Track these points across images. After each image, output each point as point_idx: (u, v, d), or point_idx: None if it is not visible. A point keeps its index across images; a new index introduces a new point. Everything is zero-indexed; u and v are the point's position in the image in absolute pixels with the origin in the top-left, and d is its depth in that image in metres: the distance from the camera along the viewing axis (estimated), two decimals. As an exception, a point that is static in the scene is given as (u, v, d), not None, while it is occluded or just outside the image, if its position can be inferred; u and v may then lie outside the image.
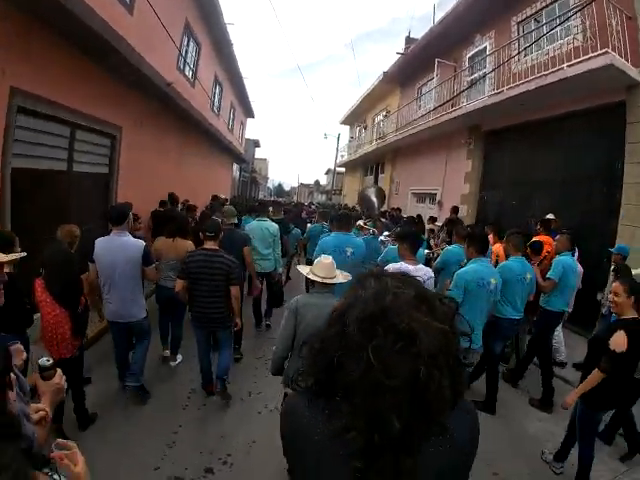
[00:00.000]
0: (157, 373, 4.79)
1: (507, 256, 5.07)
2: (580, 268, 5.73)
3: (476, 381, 4.93)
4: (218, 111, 17.20)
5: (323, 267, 2.99)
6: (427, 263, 5.80)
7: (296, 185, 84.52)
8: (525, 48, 8.19)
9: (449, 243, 6.65)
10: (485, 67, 10.89)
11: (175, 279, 4.31)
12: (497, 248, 6.09)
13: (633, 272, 4.90)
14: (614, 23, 6.59)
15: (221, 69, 16.68)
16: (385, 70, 17.39)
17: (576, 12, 6.88)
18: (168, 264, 4.84)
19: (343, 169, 32.16)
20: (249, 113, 28.66)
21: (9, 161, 4.76)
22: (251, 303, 6.36)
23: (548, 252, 5.66)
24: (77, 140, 6.30)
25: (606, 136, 7.25)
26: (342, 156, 29.50)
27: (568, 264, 5.02)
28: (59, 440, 1.30)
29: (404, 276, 1.02)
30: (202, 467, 3.35)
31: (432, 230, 9.75)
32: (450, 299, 1.03)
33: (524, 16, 9.42)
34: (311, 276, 3.00)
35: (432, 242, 8.84)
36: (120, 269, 3.87)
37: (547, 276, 5.02)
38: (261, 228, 5.95)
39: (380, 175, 20.57)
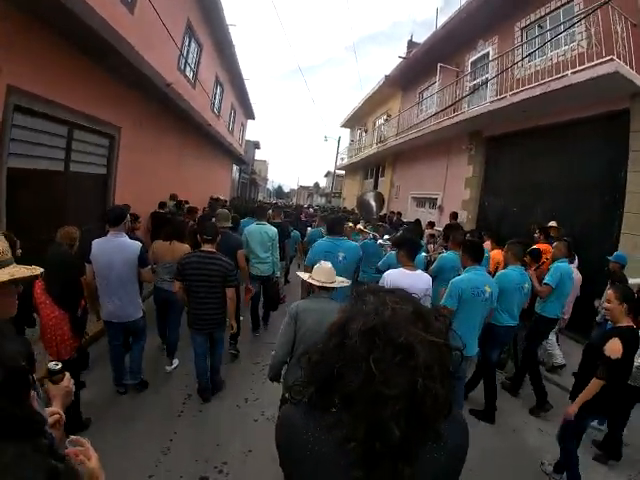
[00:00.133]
0: (152, 378, 4.68)
1: (506, 265, 5.03)
2: (579, 276, 5.75)
3: (473, 391, 4.89)
4: (218, 112, 17.14)
5: (323, 272, 3.05)
6: (427, 266, 5.76)
7: (296, 187, 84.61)
8: (529, 54, 8.13)
9: (446, 248, 6.60)
10: (488, 72, 10.87)
11: (172, 282, 4.43)
12: (496, 255, 6.06)
13: (630, 281, 4.88)
14: (619, 30, 6.56)
15: (222, 70, 16.62)
16: (387, 74, 17.35)
17: (581, 19, 6.83)
18: (165, 267, 4.88)
19: (343, 172, 32.13)
20: (250, 115, 28.62)
21: (5, 160, 4.70)
22: (249, 307, 6.30)
23: (547, 259, 5.62)
24: (75, 140, 6.23)
25: (609, 144, 7.21)
26: (342, 159, 29.48)
27: (565, 271, 5.00)
28: (73, 437, 1.33)
29: (401, 292, 1.06)
30: (197, 476, 3.27)
31: (432, 235, 9.70)
32: (444, 316, 1.06)
33: (528, 22, 9.38)
34: (311, 280, 3.04)
35: (430, 247, 8.78)
36: (117, 270, 3.91)
37: (544, 282, 4.98)
38: (260, 232, 5.93)
39: (380, 179, 20.54)
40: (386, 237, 6.13)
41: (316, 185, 68.76)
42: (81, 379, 3.87)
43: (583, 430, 3.42)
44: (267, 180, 64.77)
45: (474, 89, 11.07)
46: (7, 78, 4.55)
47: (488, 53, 11.09)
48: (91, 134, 6.74)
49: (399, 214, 14.07)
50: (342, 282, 3.14)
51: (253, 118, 29.75)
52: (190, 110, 10.68)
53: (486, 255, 5.85)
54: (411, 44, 18.15)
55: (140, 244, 4.11)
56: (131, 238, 4.23)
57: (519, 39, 9.61)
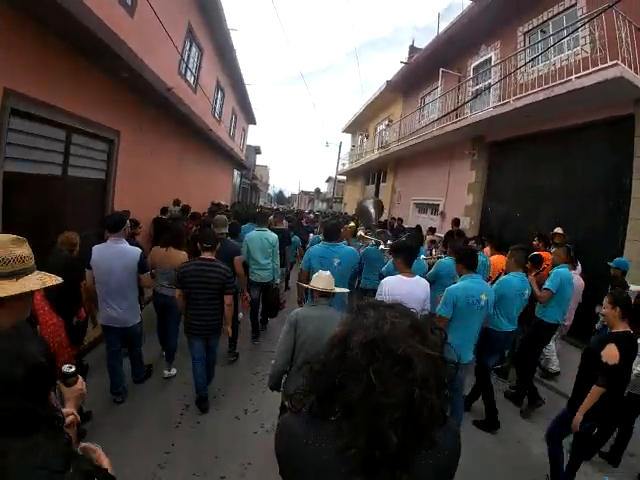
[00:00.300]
0: (149, 387, 4.61)
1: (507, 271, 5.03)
2: (581, 282, 5.73)
3: (476, 400, 4.85)
4: (219, 117, 17.10)
5: (322, 279, 3.11)
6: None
7: (297, 192, 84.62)
8: (532, 59, 8.06)
9: (445, 254, 6.62)
10: (490, 77, 10.83)
11: (170, 287, 4.65)
12: (496, 260, 6.04)
13: (631, 287, 4.90)
14: (623, 35, 6.50)
15: (223, 75, 16.59)
16: (388, 79, 17.35)
17: (585, 23, 6.77)
18: (163, 273, 4.95)
19: (344, 177, 32.15)
20: (251, 120, 28.57)
21: (1, 165, 4.62)
22: (247, 312, 6.32)
23: (547, 265, 5.62)
24: (73, 144, 6.14)
25: (614, 149, 7.13)
26: (343, 164, 29.53)
27: (565, 276, 5.00)
28: (84, 444, 1.34)
29: (400, 307, 1.09)
30: (195, 490, 3.18)
31: (433, 241, 9.65)
32: (440, 329, 1.08)
33: (530, 26, 9.35)
34: (312, 287, 3.11)
35: (431, 252, 8.74)
36: (116, 276, 3.97)
37: (544, 287, 4.99)
38: (261, 238, 5.93)
39: (382, 184, 20.49)
40: (389, 243, 6.10)
41: (317, 190, 68.70)
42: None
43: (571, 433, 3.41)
44: (268, 185, 64.80)
45: (477, 94, 11.00)
46: (4, 81, 4.48)
47: (490, 58, 11.05)
48: (90, 138, 6.65)
49: (400, 220, 14.00)
50: (340, 289, 3.22)
51: (254, 123, 29.69)
52: (191, 115, 10.62)
53: (483, 260, 5.87)
54: (413, 49, 18.13)
55: (140, 250, 4.17)
56: (131, 244, 4.30)
57: (522, 44, 9.55)
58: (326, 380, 1.00)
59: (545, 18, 8.83)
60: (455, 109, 11.06)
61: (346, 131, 29.48)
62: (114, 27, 5.60)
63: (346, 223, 9.22)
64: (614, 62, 6.19)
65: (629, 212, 6.60)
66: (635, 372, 3.61)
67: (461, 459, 1.13)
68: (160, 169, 10.42)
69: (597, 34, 6.94)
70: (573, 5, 8.05)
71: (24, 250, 1.58)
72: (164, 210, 9.90)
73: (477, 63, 11.81)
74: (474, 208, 11.29)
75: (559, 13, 8.45)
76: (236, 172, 27.88)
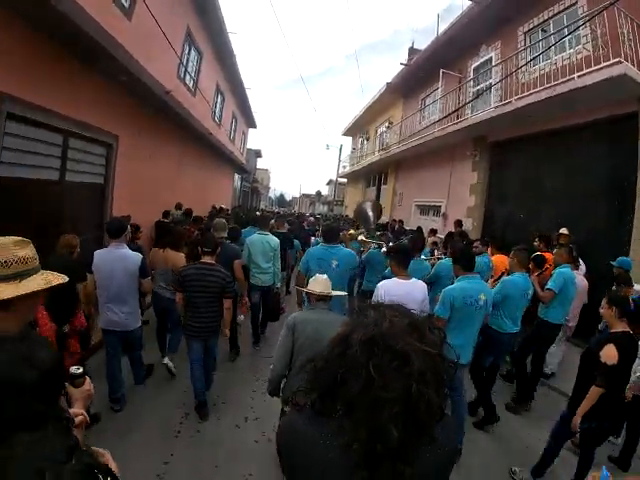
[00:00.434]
0: (148, 395, 4.52)
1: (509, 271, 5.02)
2: (585, 282, 5.69)
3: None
4: (219, 121, 17.04)
5: (319, 283, 3.13)
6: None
7: (298, 195, 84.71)
8: (533, 58, 8.00)
9: (445, 255, 6.66)
10: (491, 78, 10.76)
11: (167, 288, 4.95)
12: (498, 259, 6.03)
13: (636, 287, 4.89)
14: (625, 32, 6.44)
15: (223, 79, 16.54)
16: (388, 81, 17.30)
17: (586, 21, 6.71)
18: (160, 274, 5.11)
19: (345, 180, 32.08)
20: (251, 123, 28.52)
21: (-3, 170, 4.55)
22: (248, 316, 6.32)
23: (549, 265, 5.58)
24: (70, 148, 6.06)
25: (618, 148, 7.05)
26: (344, 167, 29.49)
27: (568, 276, 4.98)
28: (94, 448, 1.31)
29: (400, 307, 1.12)
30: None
31: (435, 243, 9.60)
32: (439, 328, 1.12)
33: (531, 26, 9.29)
34: (309, 291, 3.14)
35: (432, 253, 8.72)
36: (118, 280, 4.01)
37: (547, 287, 4.97)
38: (262, 241, 5.92)
39: (383, 186, 20.42)
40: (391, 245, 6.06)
41: (318, 193, 68.69)
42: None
43: (574, 433, 3.40)
44: (269, 189, 64.85)
45: (478, 94, 10.93)
46: (-1, 85, 4.42)
47: (491, 58, 10.99)
48: (87, 142, 6.57)
49: (400, 222, 13.94)
50: (338, 292, 3.28)
51: (255, 127, 29.64)
52: (190, 118, 10.55)
53: (486, 261, 5.92)
54: (412, 51, 18.08)
55: (141, 256, 4.20)
56: (132, 248, 4.34)
57: (522, 43, 9.48)
58: (328, 376, 1.02)
59: (546, 17, 8.77)
60: (456, 110, 10.99)
61: (346, 134, 29.44)
62: (111, 30, 5.53)
63: (349, 225, 9.19)
64: (617, 60, 6.14)
65: (634, 211, 6.51)
66: (638, 375, 3.62)
67: (463, 458, 1.25)
68: (160, 173, 10.35)
69: (599, 32, 6.88)
70: (574, 4, 7.99)
71: (27, 251, 1.58)
72: (166, 214, 9.97)
73: (477, 64, 11.74)
74: (476, 209, 11.21)
75: (560, 12, 8.39)
76: (237, 176, 27.87)
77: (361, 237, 7.38)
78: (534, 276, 5.17)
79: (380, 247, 6.16)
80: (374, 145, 21.53)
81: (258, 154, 39.23)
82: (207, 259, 4.23)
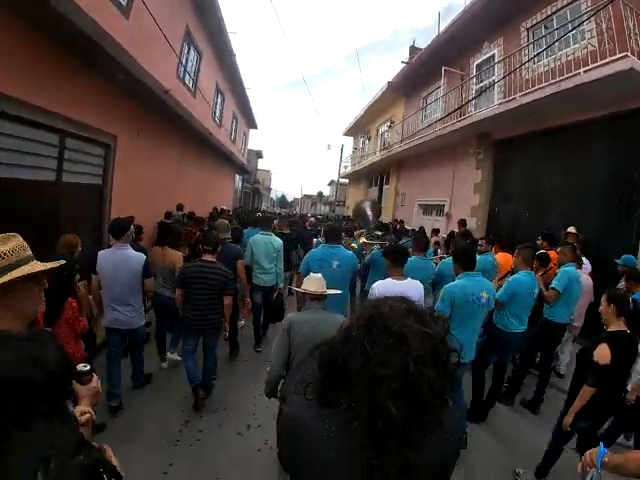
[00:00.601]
0: (147, 402, 4.41)
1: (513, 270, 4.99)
2: (590, 281, 5.64)
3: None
4: (220, 121, 16.94)
5: (313, 282, 3.13)
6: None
7: (299, 196, 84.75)
8: (537, 54, 7.88)
9: (447, 254, 6.67)
10: (494, 75, 10.65)
11: (164, 285, 5.07)
12: (502, 258, 5.97)
13: None
14: (631, 25, 6.34)
15: (223, 79, 16.44)
16: (389, 80, 17.20)
17: (590, 16, 6.60)
18: (160, 272, 5.17)
19: (347, 180, 32.02)
20: (252, 124, 28.42)
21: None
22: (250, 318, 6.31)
23: (554, 264, 5.50)
24: (67, 149, 5.96)
25: (624, 144, 6.93)
26: (345, 167, 29.45)
27: (573, 275, 4.94)
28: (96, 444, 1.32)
29: (402, 297, 1.13)
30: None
31: (437, 242, 9.56)
32: (442, 319, 1.13)
33: (534, 21, 9.17)
34: (304, 290, 3.13)
35: (435, 253, 8.68)
36: (122, 280, 4.06)
37: (551, 286, 4.92)
38: (265, 242, 5.94)
39: (385, 186, 20.30)
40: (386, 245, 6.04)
41: (320, 194, 68.67)
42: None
43: (573, 434, 3.41)
44: (270, 190, 64.86)
45: (481, 91, 10.83)
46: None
47: (494, 55, 10.88)
48: (85, 143, 6.46)
49: (401, 222, 13.86)
50: (333, 291, 3.24)
51: (255, 127, 29.56)
52: (189, 118, 10.44)
53: (491, 260, 5.90)
54: (413, 49, 18.02)
55: (144, 256, 4.26)
56: (135, 249, 4.38)
57: (525, 40, 9.37)
58: (331, 358, 1.04)
59: (549, 12, 8.65)
60: (459, 107, 10.85)
61: (347, 134, 29.32)
62: (108, 28, 5.42)
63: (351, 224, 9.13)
64: (623, 54, 6.04)
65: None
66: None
67: (467, 458, 1.16)
68: (159, 174, 10.27)
69: (604, 26, 6.76)
70: (576, -1, 7.86)
71: (6, 247, 1.56)
72: (168, 215, 10.17)
73: (480, 60, 11.63)
74: (481, 208, 11.06)
75: (563, 7, 8.29)
76: (238, 177, 27.84)
77: (362, 239, 7.33)
78: (538, 275, 5.09)
79: (382, 248, 6.10)
80: (375, 145, 21.46)
81: (259, 155, 39.22)
82: (208, 257, 4.32)
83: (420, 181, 15.32)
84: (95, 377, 1.70)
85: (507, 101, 8.76)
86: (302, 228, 11.77)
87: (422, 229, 11.06)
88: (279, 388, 2.98)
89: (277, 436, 0.97)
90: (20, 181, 5.06)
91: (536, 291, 4.59)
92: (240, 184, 30.02)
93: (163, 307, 5.17)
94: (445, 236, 9.68)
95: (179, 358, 5.15)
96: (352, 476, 0.95)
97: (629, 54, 5.98)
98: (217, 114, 16.51)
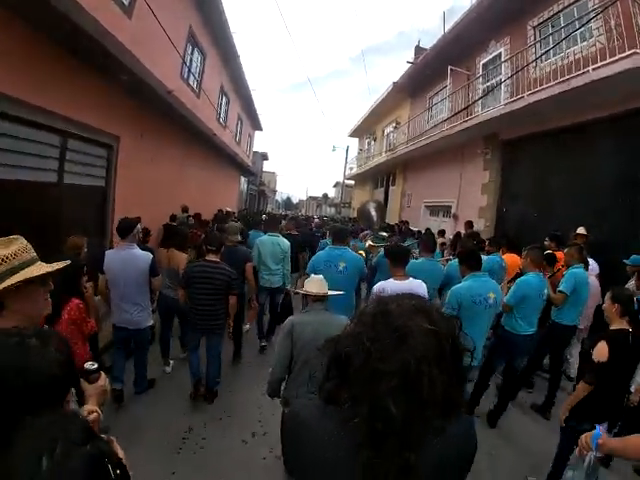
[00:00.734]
0: (150, 407, 4.33)
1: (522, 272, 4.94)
2: (597, 283, 5.59)
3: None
4: (225, 123, 16.90)
5: (314, 283, 3.14)
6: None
7: (304, 198, 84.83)
8: (545, 52, 7.79)
9: (453, 256, 6.61)
10: (500, 74, 10.53)
11: (169, 286, 5.08)
12: (509, 259, 6.00)
13: None
14: (640, 22, 6.23)
15: (227, 80, 16.40)
16: (395, 80, 17.12)
17: (598, 13, 6.50)
18: (167, 273, 5.18)
19: (352, 182, 31.98)
20: (257, 126, 28.40)
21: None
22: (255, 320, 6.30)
23: (562, 266, 5.46)
24: (69, 150, 5.91)
25: (634, 144, 6.77)
26: (351, 169, 29.37)
27: (580, 276, 4.90)
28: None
29: (412, 294, 1.15)
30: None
31: (443, 243, 9.48)
32: (454, 316, 1.13)
33: (541, 20, 9.04)
34: (305, 292, 3.13)
35: (442, 254, 8.62)
36: (129, 279, 4.14)
37: (558, 289, 4.90)
38: (272, 243, 5.98)
39: (391, 187, 20.20)
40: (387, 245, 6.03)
41: (325, 196, 68.73)
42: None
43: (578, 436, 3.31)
44: (276, 191, 64.94)
45: (488, 91, 10.71)
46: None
47: (500, 54, 10.75)
48: (87, 144, 6.41)
49: (406, 223, 13.78)
50: (334, 292, 3.26)
51: (260, 129, 29.55)
52: (193, 119, 10.38)
53: (499, 261, 5.93)
54: (418, 50, 17.88)
55: (151, 255, 4.33)
56: (143, 249, 4.45)
57: (532, 38, 9.24)
58: (336, 354, 1.03)
59: (556, 10, 8.51)
60: (466, 107, 10.74)
61: (353, 135, 29.28)
62: (110, 28, 5.37)
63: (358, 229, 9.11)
64: (633, 51, 5.92)
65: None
66: None
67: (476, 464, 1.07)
68: (163, 175, 10.22)
69: (613, 22, 6.65)
70: (584, -4, 7.75)
71: (9, 250, 1.57)
72: (173, 217, 10.18)
73: (486, 60, 11.49)
74: (489, 209, 10.92)
75: (570, 4, 8.14)
76: (243, 178, 27.82)
77: (369, 242, 7.35)
78: (547, 277, 5.06)
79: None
80: (381, 146, 21.38)
81: (264, 157, 39.25)
82: (212, 257, 4.39)
83: (426, 182, 15.21)
84: (103, 375, 1.71)
85: (514, 100, 8.66)
86: (308, 230, 11.74)
87: (428, 230, 10.97)
88: (282, 389, 2.99)
89: (281, 439, 0.94)
90: (21, 182, 5.01)
91: (545, 292, 4.56)
92: (245, 186, 30.03)
93: (168, 309, 5.20)
94: (451, 237, 9.62)
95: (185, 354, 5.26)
96: (354, 475, 0.93)
97: (638, 50, 5.86)
98: (222, 115, 16.46)
